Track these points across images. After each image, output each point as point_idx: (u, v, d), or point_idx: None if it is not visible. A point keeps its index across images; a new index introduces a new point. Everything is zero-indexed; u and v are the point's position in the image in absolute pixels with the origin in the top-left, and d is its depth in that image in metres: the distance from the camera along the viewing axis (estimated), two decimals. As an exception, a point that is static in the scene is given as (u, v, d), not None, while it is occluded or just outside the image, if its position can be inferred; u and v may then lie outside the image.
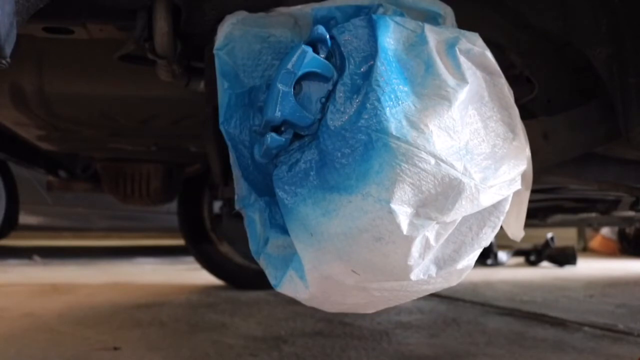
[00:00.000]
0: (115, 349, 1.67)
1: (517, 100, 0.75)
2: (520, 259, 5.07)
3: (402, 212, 0.62)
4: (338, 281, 0.69)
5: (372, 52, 0.67)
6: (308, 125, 0.69)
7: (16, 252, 4.91)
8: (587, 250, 6.54)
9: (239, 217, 0.84)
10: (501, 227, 0.75)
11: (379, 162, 0.62)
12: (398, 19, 0.70)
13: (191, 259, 3.36)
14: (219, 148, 1.40)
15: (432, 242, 0.66)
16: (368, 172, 0.62)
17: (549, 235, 4.91)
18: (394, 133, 0.61)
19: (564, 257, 4.78)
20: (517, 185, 0.71)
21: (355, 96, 0.66)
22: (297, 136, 0.71)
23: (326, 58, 0.70)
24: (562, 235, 5.37)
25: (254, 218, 0.79)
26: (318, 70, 0.68)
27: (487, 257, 4.77)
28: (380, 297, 0.73)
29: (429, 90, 0.65)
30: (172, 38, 0.85)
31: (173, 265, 4.54)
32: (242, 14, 0.79)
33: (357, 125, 0.64)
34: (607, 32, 0.86)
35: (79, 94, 1.40)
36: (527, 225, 0.89)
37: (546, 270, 4.50)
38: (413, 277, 0.67)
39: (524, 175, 0.73)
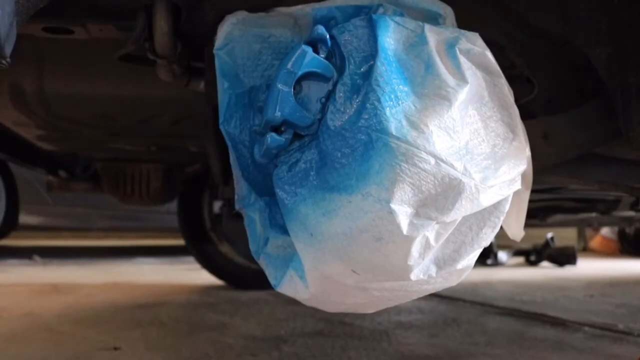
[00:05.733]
0: (115, 349, 1.67)
1: (517, 100, 0.75)
2: (520, 259, 5.07)
3: (402, 212, 0.62)
4: (338, 281, 0.69)
5: (372, 52, 0.67)
6: (308, 125, 0.69)
7: (16, 252, 4.91)
8: (587, 250, 6.54)
9: (239, 217, 0.84)
10: (501, 227, 0.75)
11: (379, 162, 0.62)
12: (398, 19, 0.70)
13: (191, 259, 3.36)
14: (219, 148, 1.40)
15: (432, 242, 0.66)
16: (368, 172, 0.62)
17: (549, 235, 4.91)
18: (394, 133, 0.61)
19: (564, 257, 4.77)
20: (517, 185, 0.71)
21: (355, 96, 0.66)
22: (297, 136, 0.71)
23: (326, 58, 0.70)
24: (562, 235, 5.36)
25: (254, 218, 0.79)
26: (318, 70, 0.68)
27: (487, 257, 4.77)
28: (380, 297, 0.73)
29: (429, 90, 0.65)
30: (172, 38, 0.85)
31: (173, 265, 4.54)
32: (242, 14, 0.79)
33: (357, 125, 0.64)
34: (607, 32, 0.86)
35: (79, 94, 1.40)
36: (527, 225, 0.89)
37: (546, 270, 4.50)
38: (413, 277, 0.67)
39: (524, 175, 0.73)
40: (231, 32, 0.77)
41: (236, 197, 0.81)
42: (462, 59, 0.68)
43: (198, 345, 1.73)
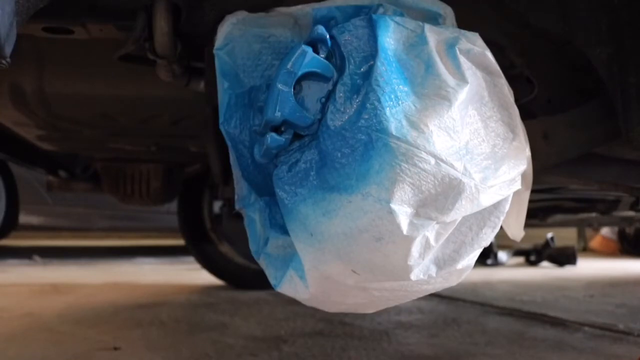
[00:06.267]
0: (115, 349, 1.67)
1: (517, 100, 0.75)
2: (520, 259, 5.07)
3: (402, 212, 0.62)
4: (338, 281, 0.69)
5: (372, 52, 0.67)
6: (308, 125, 0.69)
7: (16, 252, 4.91)
8: (587, 250, 6.54)
9: (239, 217, 0.84)
10: (501, 227, 0.75)
11: (379, 162, 0.62)
12: (398, 19, 0.70)
13: (191, 259, 3.36)
14: (219, 148, 1.40)
15: (432, 242, 0.66)
16: (368, 172, 0.62)
17: (549, 235, 4.91)
18: (394, 133, 0.61)
19: (564, 257, 4.77)
20: (517, 185, 0.71)
21: (355, 96, 0.66)
22: (297, 136, 0.71)
23: (326, 58, 0.70)
24: (562, 235, 5.36)
25: (254, 218, 0.79)
26: (318, 70, 0.68)
27: (487, 257, 4.77)
28: (380, 297, 0.73)
29: (429, 90, 0.65)
30: (172, 38, 0.85)
31: (173, 265, 4.54)
32: (242, 14, 0.79)
33: (357, 125, 0.64)
34: (607, 32, 0.86)
35: (79, 94, 1.40)
36: (527, 225, 0.89)
37: (546, 270, 4.50)
38: (413, 277, 0.67)
39: (524, 175, 0.73)
40: (231, 32, 0.77)
41: (236, 197, 0.81)
42: (462, 59, 0.68)
43: (198, 345, 1.73)
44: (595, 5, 0.86)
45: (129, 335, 1.87)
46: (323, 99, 0.69)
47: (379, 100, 0.63)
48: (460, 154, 0.64)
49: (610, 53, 0.85)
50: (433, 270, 0.69)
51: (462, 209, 0.65)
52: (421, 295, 0.74)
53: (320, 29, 0.70)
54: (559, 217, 2.36)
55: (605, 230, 6.23)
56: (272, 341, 1.79)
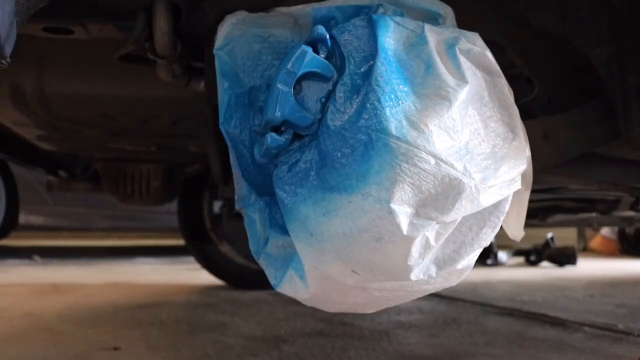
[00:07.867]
0: (115, 349, 1.67)
1: (517, 100, 0.75)
2: (520, 259, 5.07)
3: (402, 212, 0.62)
4: (338, 281, 0.69)
5: (372, 52, 0.67)
6: (308, 125, 0.69)
7: (16, 252, 4.91)
8: (587, 250, 6.54)
9: (239, 217, 0.84)
10: (501, 227, 0.75)
11: (379, 162, 0.62)
12: (398, 19, 0.70)
13: (191, 259, 3.36)
14: (219, 148, 1.40)
15: (432, 242, 0.66)
16: (368, 172, 0.62)
17: (549, 235, 4.91)
18: (394, 133, 0.61)
19: (564, 257, 4.77)
20: (517, 185, 0.71)
21: (355, 96, 0.66)
22: (297, 136, 0.71)
23: (326, 58, 0.70)
24: (562, 235, 5.36)
25: (254, 218, 0.79)
26: (318, 70, 0.68)
27: (487, 257, 4.77)
28: (380, 297, 0.73)
29: (429, 90, 0.65)
30: (172, 38, 0.85)
31: (173, 265, 4.54)
32: (242, 14, 0.79)
33: (357, 125, 0.64)
34: (607, 32, 0.86)
35: (79, 94, 1.40)
36: (527, 225, 0.89)
37: (546, 270, 4.50)
38: (413, 277, 0.67)
39: (524, 175, 0.73)
40: (231, 32, 0.77)
41: (236, 197, 0.81)
42: (462, 59, 0.68)
43: (198, 345, 1.73)
44: (595, 5, 0.86)
45: (129, 335, 1.87)
46: (323, 99, 0.69)
47: (379, 100, 0.63)
48: (460, 154, 0.64)
49: (610, 53, 0.85)
50: (433, 270, 0.69)
51: (462, 209, 0.65)
52: (421, 295, 0.74)
53: (320, 29, 0.70)
54: (559, 217, 2.36)
55: (605, 230, 6.23)
56: (272, 341, 1.79)
